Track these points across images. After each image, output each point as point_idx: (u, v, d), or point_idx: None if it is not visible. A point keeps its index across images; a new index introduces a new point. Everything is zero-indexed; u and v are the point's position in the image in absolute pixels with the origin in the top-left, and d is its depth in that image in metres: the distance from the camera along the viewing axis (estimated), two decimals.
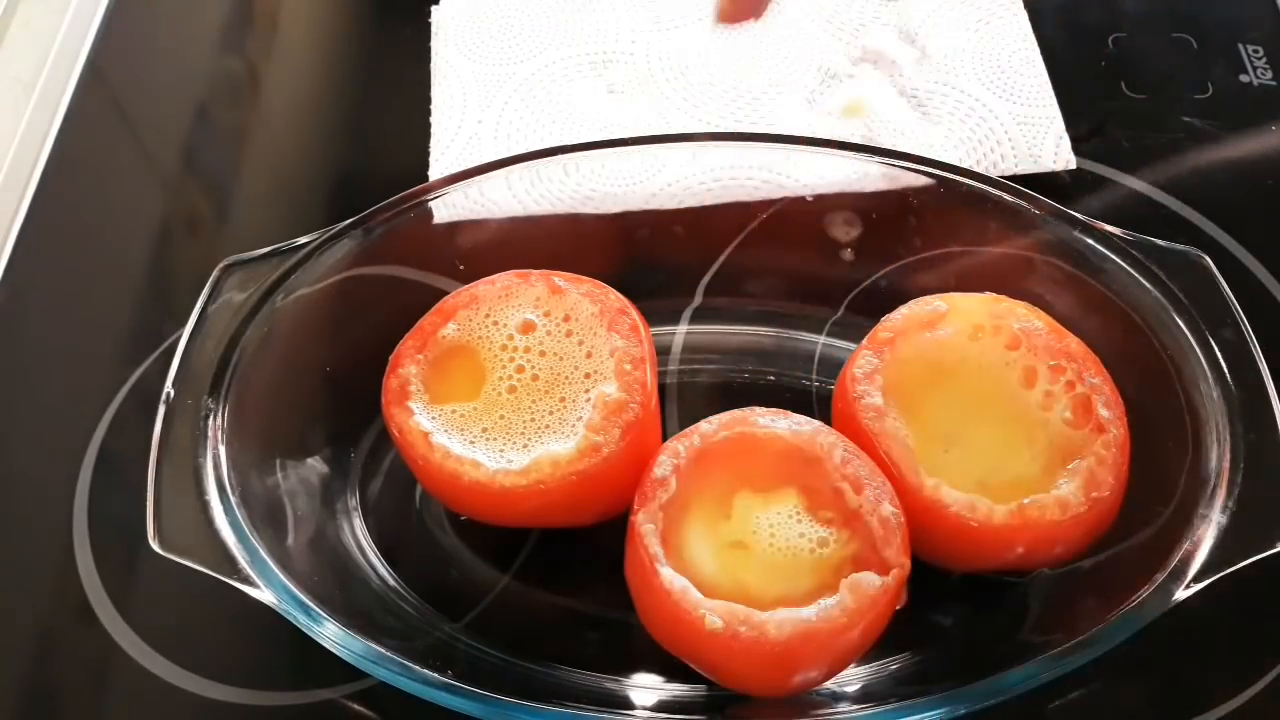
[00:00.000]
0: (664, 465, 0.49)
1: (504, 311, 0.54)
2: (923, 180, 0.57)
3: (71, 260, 0.68)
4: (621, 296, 0.54)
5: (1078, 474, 0.49)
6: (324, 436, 0.56)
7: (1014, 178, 0.63)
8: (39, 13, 0.78)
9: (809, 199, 0.60)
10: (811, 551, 0.47)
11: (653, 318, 0.55)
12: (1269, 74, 0.71)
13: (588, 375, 0.53)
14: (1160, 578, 0.45)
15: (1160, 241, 0.53)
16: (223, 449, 0.49)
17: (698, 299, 0.61)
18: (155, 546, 0.47)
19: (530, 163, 0.57)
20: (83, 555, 0.55)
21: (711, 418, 0.50)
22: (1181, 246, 0.53)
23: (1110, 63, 0.72)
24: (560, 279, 0.55)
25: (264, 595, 0.46)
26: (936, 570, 0.51)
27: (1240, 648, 0.51)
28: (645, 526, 0.47)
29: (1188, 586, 0.45)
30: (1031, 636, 0.48)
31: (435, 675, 0.44)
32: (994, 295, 0.54)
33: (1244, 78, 0.71)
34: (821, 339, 0.60)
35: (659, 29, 0.74)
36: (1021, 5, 0.73)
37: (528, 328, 0.54)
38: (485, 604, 0.53)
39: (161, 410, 0.50)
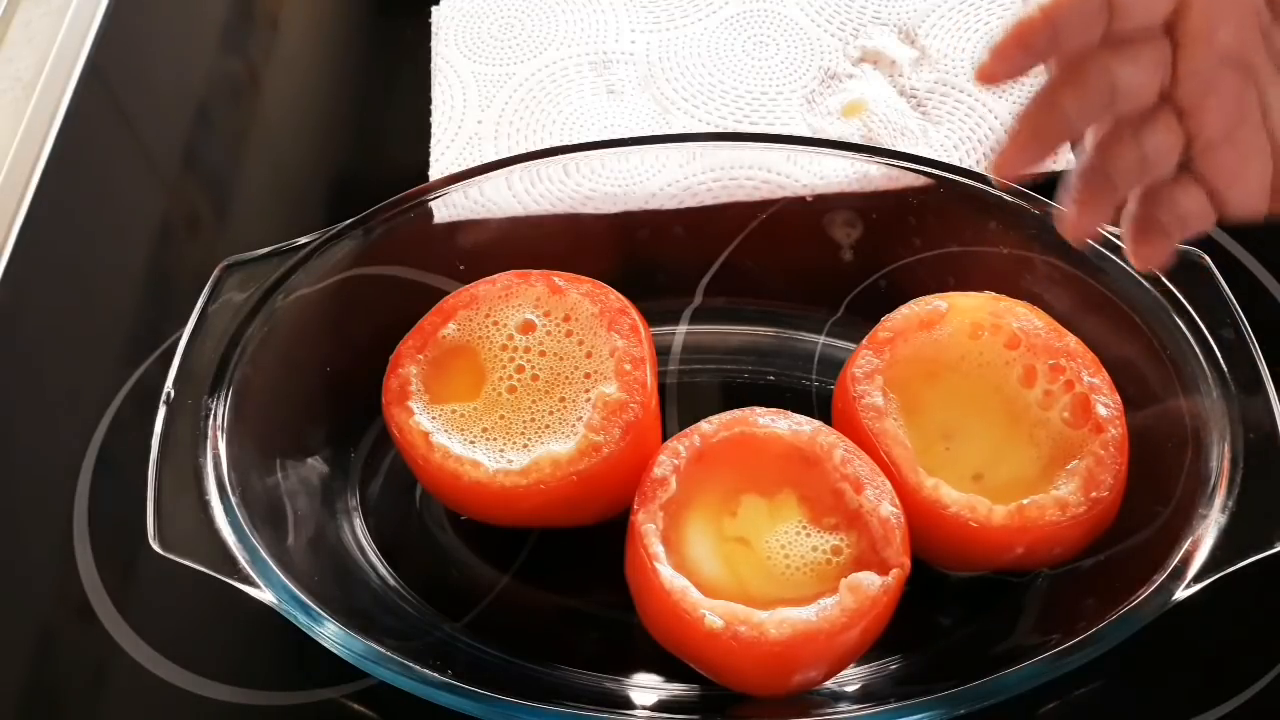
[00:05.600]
0: (664, 465, 0.49)
1: (504, 311, 0.54)
2: (923, 180, 0.57)
3: (71, 260, 0.68)
4: (621, 296, 0.54)
5: (1077, 474, 0.49)
6: (324, 436, 0.56)
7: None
8: (39, 13, 0.78)
9: (809, 199, 0.60)
10: (828, 562, 0.47)
11: (653, 318, 0.55)
12: None
13: (588, 375, 0.53)
14: (1160, 578, 0.45)
15: None
16: (223, 449, 0.49)
17: (698, 299, 0.61)
18: (155, 546, 0.47)
19: (530, 163, 0.57)
20: (83, 555, 0.55)
21: (711, 418, 0.50)
22: (1181, 246, 0.53)
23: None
24: (560, 279, 0.55)
25: (264, 595, 0.46)
26: (936, 570, 0.51)
27: (1240, 648, 0.51)
28: (645, 526, 0.47)
29: (1187, 586, 0.45)
30: (1031, 637, 0.48)
31: (435, 675, 0.44)
32: (993, 295, 0.54)
33: None
34: (821, 339, 0.60)
35: (659, 29, 0.74)
36: (1021, 5, 0.73)
37: (528, 328, 0.54)
38: (485, 604, 0.53)
39: (161, 410, 0.50)
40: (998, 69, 0.37)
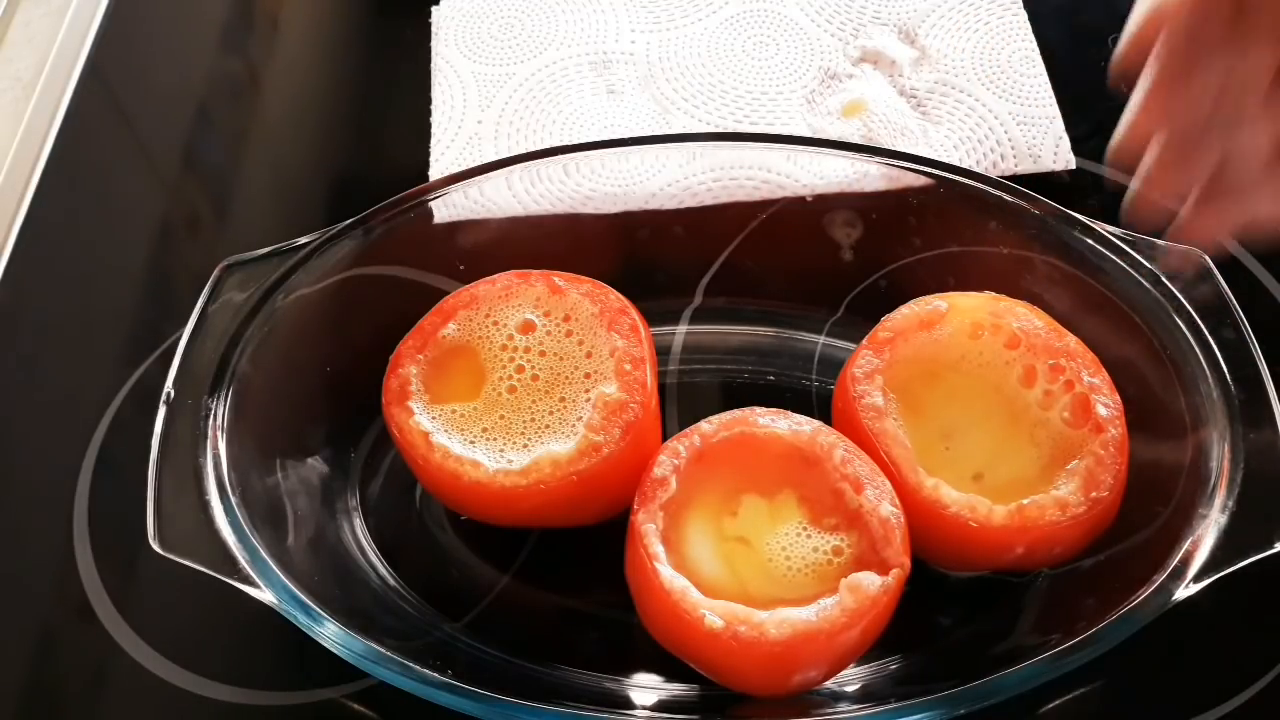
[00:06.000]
0: (664, 465, 0.49)
1: (504, 311, 0.54)
2: (923, 180, 0.57)
3: (71, 260, 0.68)
4: (621, 296, 0.54)
5: (1076, 474, 0.49)
6: (324, 436, 0.56)
7: (1014, 178, 0.63)
8: (39, 13, 0.78)
9: (809, 199, 0.60)
10: (829, 562, 0.47)
11: (653, 318, 0.55)
12: None
13: (588, 375, 0.53)
14: (1160, 578, 0.45)
15: (1160, 241, 0.53)
16: (223, 449, 0.49)
17: (698, 299, 0.61)
18: (155, 546, 0.47)
19: (530, 163, 0.57)
20: (83, 555, 0.55)
21: (711, 418, 0.50)
22: (1182, 246, 0.53)
23: (1110, 63, 0.72)
24: (560, 279, 0.55)
25: (264, 595, 0.46)
26: (936, 570, 0.51)
27: (1240, 648, 0.51)
28: (645, 526, 0.47)
29: (1187, 586, 0.45)
30: (1031, 637, 0.48)
31: (435, 675, 0.44)
32: (994, 295, 0.54)
33: None
34: (821, 339, 0.60)
35: (659, 29, 0.74)
36: (1021, 5, 0.73)
37: (528, 328, 0.54)
38: (485, 604, 0.53)
39: (161, 410, 0.50)
40: (1133, 54, 0.36)
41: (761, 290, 0.61)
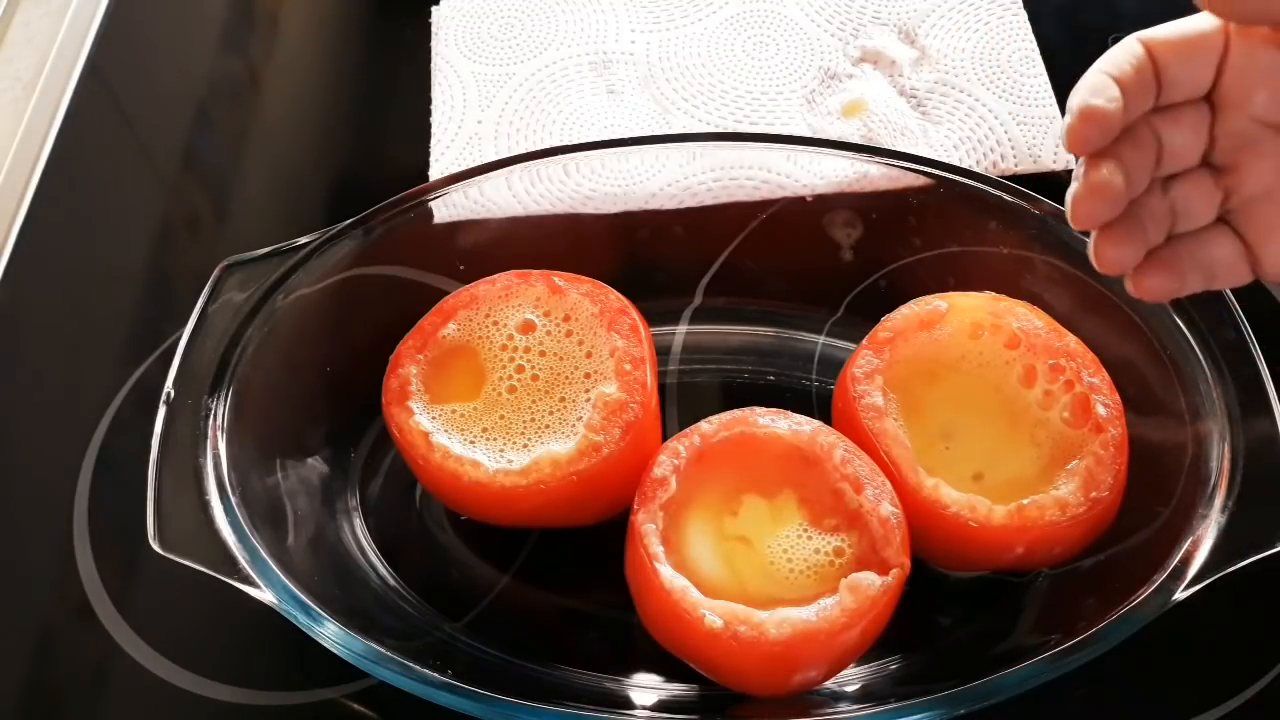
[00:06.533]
0: (664, 465, 0.49)
1: (504, 311, 0.54)
2: (923, 180, 0.57)
3: (71, 260, 0.68)
4: (621, 296, 0.54)
5: (1076, 474, 0.49)
6: (324, 436, 0.56)
7: (1014, 178, 0.63)
8: (39, 13, 0.79)
9: (809, 199, 0.60)
10: (830, 564, 0.47)
11: (653, 318, 0.55)
12: None
13: (588, 375, 0.53)
14: (1160, 578, 0.45)
15: None
16: (223, 449, 0.49)
17: (698, 299, 0.61)
18: (155, 546, 0.47)
19: (530, 163, 0.57)
20: (83, 555, 0.55)
21: (711, 418, 0.50)
22: None
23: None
24: (560, 279, 0.55)
25: (264, 595, 0.46)
26: (936, 570, 0.51)
27: (1240, 648, 0.51)
28: (645, 526, 0.47)
29: (1188, 586, 0.45)
30: (1031, 637, 0.48)
31: (435, 675, 0.44)
32: (994, 295, 0.54)
33: None
34: (821, 339, 0.60)
35: (659, 29, 0.74)
36: (1021, 5, 0.73)
37: (528, 328, 0.54)
38: (485, 604, 0.53)
39: (161, 410, 0.50)
40: (1089, 129, 0.38)
41: (761, 290, 0.61)
